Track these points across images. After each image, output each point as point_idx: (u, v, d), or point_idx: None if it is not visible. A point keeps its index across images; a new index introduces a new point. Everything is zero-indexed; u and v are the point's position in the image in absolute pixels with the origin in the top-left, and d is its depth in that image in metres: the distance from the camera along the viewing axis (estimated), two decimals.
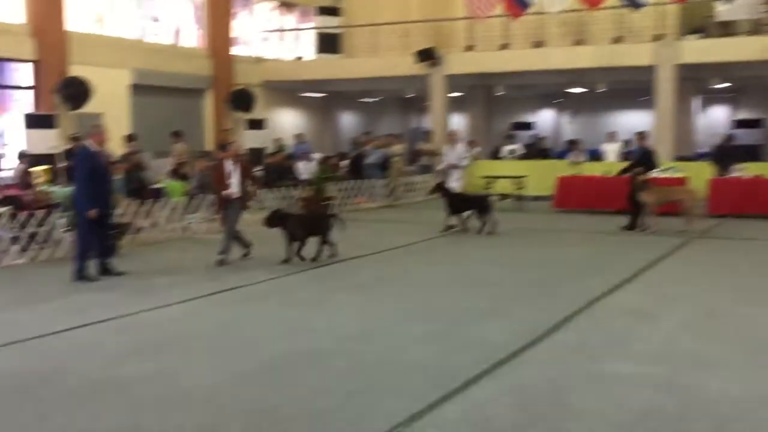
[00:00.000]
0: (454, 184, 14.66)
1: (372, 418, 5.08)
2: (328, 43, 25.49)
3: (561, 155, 22.90)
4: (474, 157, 21.44)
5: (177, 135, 17.95)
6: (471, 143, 22.54)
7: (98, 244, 10.04)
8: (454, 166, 14.84)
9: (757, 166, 17.57)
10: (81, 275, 9.81)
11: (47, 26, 17.58)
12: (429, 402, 5.32)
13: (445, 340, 6.99)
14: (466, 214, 14.10)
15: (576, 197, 17.40)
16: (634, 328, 7.35)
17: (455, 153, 15.01)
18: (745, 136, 26.36)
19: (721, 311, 8.01)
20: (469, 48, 22.49)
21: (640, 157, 14.59)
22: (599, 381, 5.83)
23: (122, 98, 19.81)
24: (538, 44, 21.65)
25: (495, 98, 26.67)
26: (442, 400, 5.38)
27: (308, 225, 11.18)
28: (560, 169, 18.84)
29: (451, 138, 15.36)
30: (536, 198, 19.21)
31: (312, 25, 26.52)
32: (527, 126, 30.08)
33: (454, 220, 14.12)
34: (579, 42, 21.30)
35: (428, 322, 7.60)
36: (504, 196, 19.40)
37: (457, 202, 14.13)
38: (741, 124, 27.04)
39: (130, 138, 16.75)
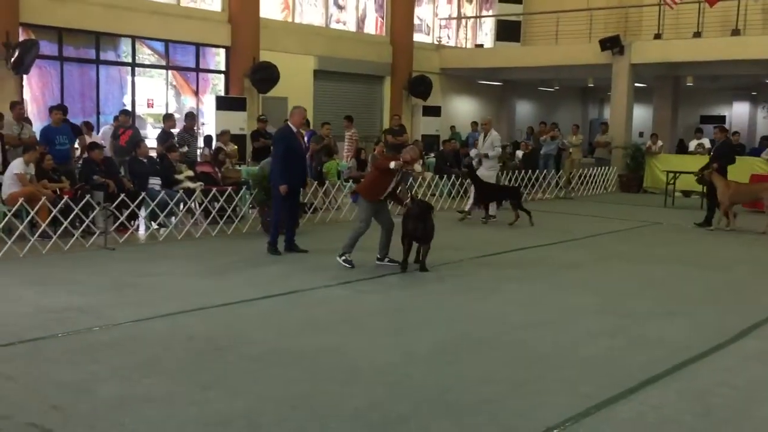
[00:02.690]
0: (486, 172, 14.24)
1: (540, 411, 4.97)
2: (508, 31, 25.20)
3: (755, 152, 21.31)
4: (657, 150, 20.54)
5: (349, 119, 18.36)
6: (654, 136, 21.51)
7: (288, 220, 10.57)
8: (486, 156, 14.28)
9: None
10: (272, 248, 10.38)
11: (242, 14, 18.60)
12: (602, 399, 5.13)
13: (621, 337, 6.73)
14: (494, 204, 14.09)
15: None
16: None
17: (488, 142, 14.32)
18: None
19: None
20: (658, 36, 21.39)
21: (720, 152, 13.98)
22: None
23: (307, 83, 20.62)
24: (736, 32, 20.20)
25: (683, 89, 25.24)
26: (616, 398, 5.18)
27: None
28: (753, 166, 17.56)
29: (484, 127, 14.64)
30: None
31: (492, 12, 26.32)
32: (718, 119, 28.27)
33: (481, 209, 14.10)
34: None
35: (604, 317, 7.36)
36: (687, 193, 18.39)
37: (487, 192, 13.89)
38: None
39: (348, 120, 17.40)
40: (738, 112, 28.72)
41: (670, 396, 5.29)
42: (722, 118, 28.41)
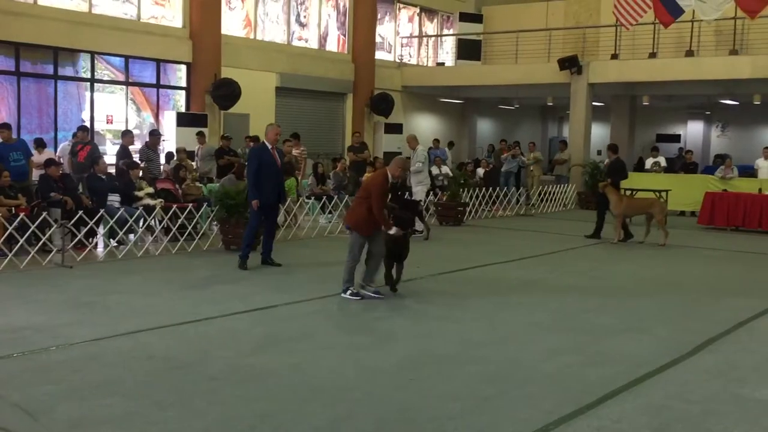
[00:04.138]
0: (415, 188, 14.61)
1: (502, 427, 5.02)
2: (469, 50, 25.49)
3: (709, 170, 21.81)
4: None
5: (296, 137, 18.04)
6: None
7: (265, 235, 10.74)
8: (416, 171, 14.57)
9: None
10: (243, 263, 10.48)
11: (203, 30, 18.54)
12: (561, 415, 5.19)
13: (581, 353, 6.81)
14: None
15: (724, 214, 16.51)
16: None
17: (415, 158, 14.58)
18: None
19: None
20: (615, 56, 21.83)
21: (613, 168, 14.72)
22: (745, 407, 5.50)
23: (269, 100, 20.61)
24: (690, 53, 20.71)
25: (639, 108, 25.75)
26: (576, 414, 5.24)
27: None
28: (707, 184, 17.97)
29: (411, 143, 14.82)
30: (680, 213, 18.43)
31: (453, 31, 26.60)
32: (673, 138, 28.87)
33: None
34: (735, 51, 20.21)
35: (563, 334, 7.44)
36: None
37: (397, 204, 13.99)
38: None
39: (295, 138, 17.37)
40: (692, 131, 29.35)
41: (628, 411, 5.37)
42: (677, 137, 29.01)
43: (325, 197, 15.52)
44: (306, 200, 15.15)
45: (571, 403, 5.40)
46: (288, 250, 11.96)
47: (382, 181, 8.63)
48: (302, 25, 22.15)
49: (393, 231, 8.61)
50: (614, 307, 8.75)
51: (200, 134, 16.98)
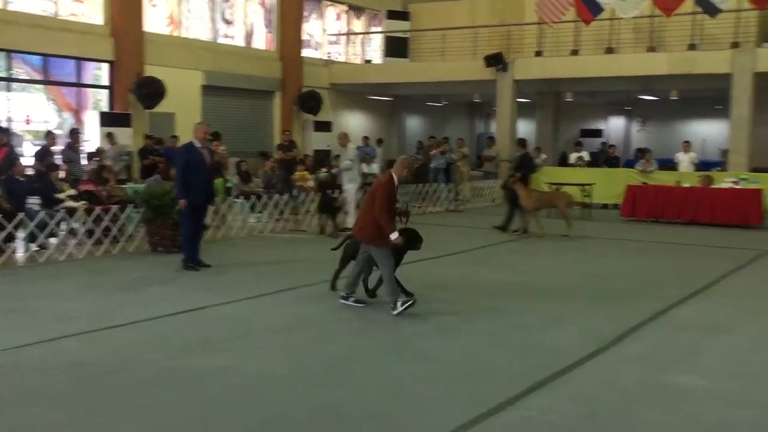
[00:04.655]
0: (346, 186, 14.56)
1: (433, 420, 5.07)
2: (396, 47, 25.61)
3: (630, 163, 22.48)
4: (541, 163, 21.30)
5: (215, 136, 17.79)
6: (537, 149, 22.35)
7: (193, 235, 10.53)
8: (346, 168, 14.58)
9: None
10: (188, 264, 10.36)
11: (125, 27, 18.12)
12: (490, 407, 5.28)
13: (510, 345, 6.94)
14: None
15: (644, 206, 17.05)
16: (704, 341, 7.17)
17: (345, 155, 14.71)
18: None
19: None
20: (538, 53, 22.27)
21: (521, 162, 15.07)
22: (667, 393, 5.70)
23: (195, 98, 20.28)
24: (610, 50, 21.28)
25: (563, 104, 26.35)
26: (504, 405, 5.34)
27: None
28: (629, 177, 18.51)
29: (342, 140, 14.92)
30: (604, 206, 18.93)
31: (380, 29, 26.69)
32: (596, 133, 29.63)
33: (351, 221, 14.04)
34: (652, 48, 20.87)
35: (492, 327, 7.56)
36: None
37: (325, 202, 14.10)
38: None
39: (215, 137, 17.12)
40: (614, 126, 30.19)
41: (555, 401, 5.49)
42: (600, 132, 29.79)
43: (254, 196, 15.35)
44: (234, 200, 14.97)
45: (500, 395, 5.49)
46: (217, 251, 11.81)
47: (388, 183, 8.06)
48: (228, 23, 21.87)
49: (394, 237, 7.94)
50: (541, 299, 8.93)
51: (109, 135, 16.57)
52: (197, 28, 20.90)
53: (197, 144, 10.42)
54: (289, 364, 6.31)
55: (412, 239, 8.35)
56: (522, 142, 15.94)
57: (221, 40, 21.62)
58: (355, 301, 8.33)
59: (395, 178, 8.13)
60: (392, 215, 8.08)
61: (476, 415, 5.13)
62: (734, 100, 19.41)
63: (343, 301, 8.35)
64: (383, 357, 6.55)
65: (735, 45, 19.43)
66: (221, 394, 5.52)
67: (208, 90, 20.74)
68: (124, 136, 17.36)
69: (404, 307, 7.86)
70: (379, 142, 24.55)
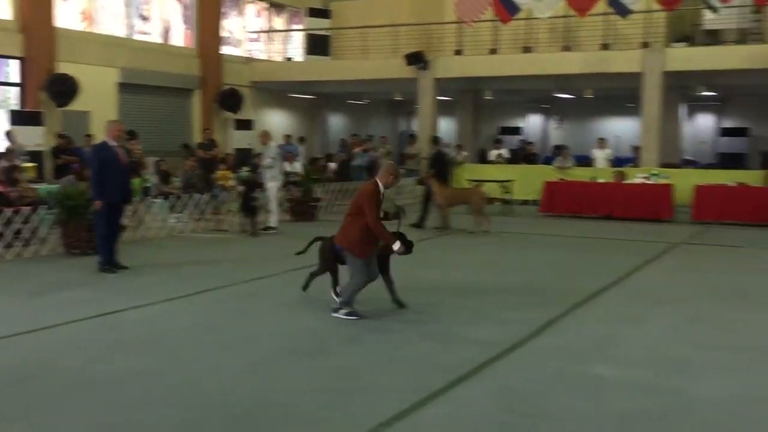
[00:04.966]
0: (268, 184, 14.41)
1: (353, 419, 5.09)
2: (318, 45, 25.52)
3: (548, 160, 23.01)
4: (461, 160, 21.61)
5: (131, 134, 17.41)
6: (458, 147, 22.68)
7: (110, 237, 10.25)
8: (268, 166, 14.45)
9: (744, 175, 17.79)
10: (104, 267, 10.09)
11: (35, 23, 17.51)
12: (412, 402, 5.34)
13: (432, 340, 7.02)
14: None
15: (562, 202, 17.51)
16: (617, 331, 7.40)
17: (267, 153, 14.61)
18: (731, 145, 26.70)
19: (706, 316, 8.08)
20: (458, 52, 22.57)
21: (434, 160, 15.30)
22: (582, 383, 5.88)
23: (110, 96, 19.75)
24: (527, 49, 21.74)
25: (483, 102, 26.77)
26: (427, 400, 5.41)
27: None
28: (547, 174, 18.95)
29: (263, 138, 14.86)
30: (523, 202, 19.33)
31: (301, 26, 26.55)
32: (515, 131, 30.20)
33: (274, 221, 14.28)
34: (567, 48, 21.42)
35: (415, 323, 7.63)
36: (490, 200, 19.50)
37: (246, 202, 14.00)
38: (727, 132, 27.28)
39: (131, 136, 16.67)
40: (532, 124, 30.83)
41: (477, 394, 5.60)
42: (518, 129, 30.38)
43: (173, 196, 15.07)
44: (153, 200, 14.66)
45: (423, 390, 5.56)
46: (135, 252, 11.56)
47: (373, 193, 7.67)
48: (144, 19, 21.38)
49: (397, 247, 7.67)
50: (462, 294, 9.07)
51: (8, 134, 15.91)
52: (112, 24, 20.35)
53: (111, 142, 10.15)
54: (210, 365, 6.23)
55: (406, 245, 7.91)
56: (436, 140, 16.17)
57: (137, 37, 21.11)
58: (347, 314, 7.72)
59: (380, 185, 7.77)
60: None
61: (400, 410, 5.18)
62: (645, 99, 20.11)
63: (334, 314, 7.77)
64: (306, 355, 6.54)
65: (645, 45, 20.12)
66: (141, 398, 5.42)
67: (124, 88, 20.23)
68: (34, 135, 16.76)
69: (346, 317, 7.65)
70: (302, 140, 24.44)
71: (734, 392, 5.68)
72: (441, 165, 15.36)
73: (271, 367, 6.18)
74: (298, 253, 8.98)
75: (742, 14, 20.01)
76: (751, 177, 17.42)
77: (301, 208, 16.46)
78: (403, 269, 10.69)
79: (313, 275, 8.56)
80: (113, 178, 10.02)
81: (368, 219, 7.55)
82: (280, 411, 5.22)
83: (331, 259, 8.31)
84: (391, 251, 7.84)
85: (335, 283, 8.32)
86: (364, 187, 7.94)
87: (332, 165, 21.52)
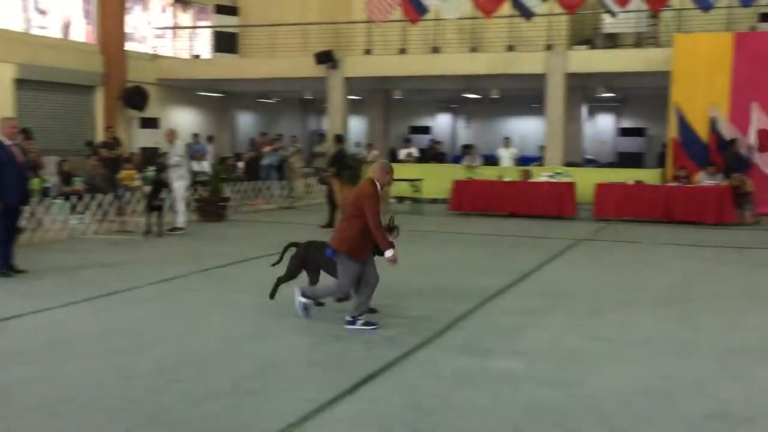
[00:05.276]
0: (176, 183, 14.12)
1: (262, 420, 5.05)
2: (225, 43, 25.15)
3: (456, 159, 23.39)
4: (372, 159, 21.70)
5: (24, 133, 16.58)
6: (369, 146, 22.80)
7: (6, 239, 9.83)
8: (175, 165, 14.13)
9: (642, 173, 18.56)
10: (2, 270, 9.70)
11: None
12: (321, 402, 5.34)
13: (340, 339, 7.03)
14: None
15: (470, 200, 17.83)
16: (521, 326, 7.58)
17: (174, 152, 14.32)
18: (629, 145, 27.77)
19: (606, 309, 8.37)
20: (368, 51, 22.66)
21: (336, 158, 15.35)
22: (487, 377, 6.00)
23: (6, 93, 18.92)
24: (436, 50, 22.03)
25: (393, 102, 26.98)
26: (335, 399, 5.41)
27: None
28: (456, 172, 19.25)
29: (169, 137, 14.56)
30: (433, 201, 19.57)
31: (209, 23, 26.10)
32: (424, 130, 30.56)
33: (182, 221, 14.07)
34: (474, 49, 21.82)
35: (322, 322, 7.62)
36: (401, 199, 19.68)
37: (152, 202, 13.70)
38: (625, 132, 28.37)
39: (25, 134, 15.93)
40: (441, 123, 31.26)
41: (385, 392, 5.64)
42: (428, 129, 30.75)
43: (75, 197, 14.58)
44: (53, 200, 14.14)
45: (332, 390, 5.56)
46: (34, 255, 11.12)
47: (373, 192, 7.30)
48: (42, 12, 20.56)
49: (390, 254, 7.32)
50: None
51: None
52: (7, 17, 19.49)
53: (6, 141, 9.71)
54: (111, 371, 6.05)
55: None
56: (339, 138, 16.16)
57: (35, 31, 20.29)
58: (365, 324, 7.36)
59: (378, 185, 7.40)
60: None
61: (310, 410, 5.17)
62: (549, 99, 20.70)
63: (350, 326, 7.38)
64: (210, 358, 6.44)
65: (548, 47, 20.70)
66: (35, 407, 5.21)
67: (22, 84, 19.42)
68: None
69: (364, 326, 7.30)
70: (210, 139, 24.05)
71: (630, 383, 5.91)
72: (343, 164, 15.35)
73: (177, 371, 6.05)
74: (274, 264, 8.41)
75: (639, 19, 20.81)
76: (648, 175, 18.19)
77: (209, 208, 16.20)
78: None
79: (279, 281, 8.22)
80: (9, 178, 9.62)
81: (369, 219, 7.18)
82: (181, 416, 5.12)
83: (298, 265, 8.10)
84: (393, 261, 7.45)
85: (286, 279, 8.16)
86: (362, 187, 7.52)
87: (241, 164, 21.25)
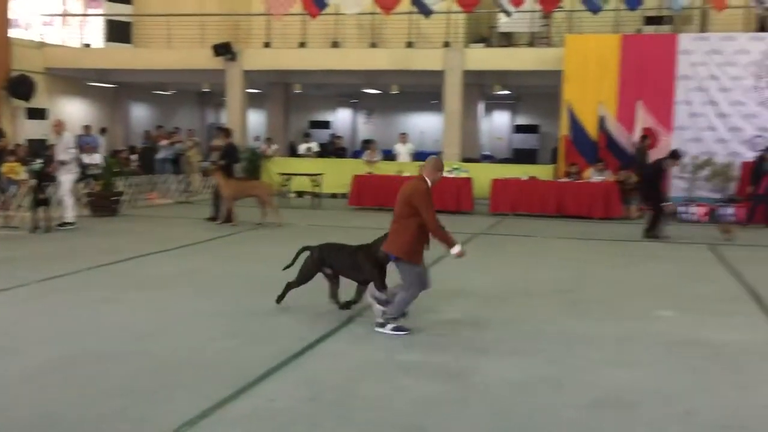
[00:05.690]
0: (65, 177, 13.58)
1: (158, 419, 4.94)
2: (118, 32, 24.36)
3: (357, 154, 23.47)
4: (272, 154, 21.52)
5: None
6: (268, 140, 22.57)
7: None
8: (61, 162, 13.55)
9: (535, 169, 19.13)
10: None
11: None
12: (219, 399, 5.26)
13: (241, 335, 6.95)
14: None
15: (370, 195, 17.94)
16: (414, 319, 7.66)
17: (61, 145, 13.73)
18: (524, 141, 28.60)
19: (499, 301, 8.60)
20: (267, 44, 22.42)
21: (225, 152, 15.24)
22: (386, 369, 6.07)
23: None
24: (335, 44, 22.03)
25: (293, 96, 26.80)
26: (233, 395, 5.35)
27: None
28: (356, 167, 19.32)
29: (56, 128, 13.98)
30: (333, 195, 19.58)
31: (101, 11, 25.18)
32: (325, 125, 30.52)
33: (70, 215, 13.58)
34: (374, 44, 21.93)
35: (224, 318, 7.52)
36: (301, 194, 19.61)
37: (37, 196, 13.16)
38: (520, 129, 29.20)
39: None
40: (341, 118, 31.31)
41: (284, 386, 5.61)
42: (328, 124, 30.74)
43: None
44: None
45: (229, 386, 5.49)
46: None
47: (427, 190, 6.97)
48: None
49: (457, 250, 7.01)
50: (270, 288, 9.02)
51: None
52: None
53: None
54: (3, 369, 5.77)
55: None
56: (227, 132, 15.94)
57: None
58: (395, 329, 7.08)
59: (429, 182, 7.06)
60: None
61: (206, 408, 5.08)
62: (447, 96, 21.05)
63: (379, 329, 7.13)
64: (104, 357, 6.23)
65: (447, 44, 21.04)
66: None
67: None
68: None
69: (394, 332, 7.03)
70: (103, 131, 23.27)
71: (524, 373, 6.10)
72: (231, 157, 15.10)
73: (71, 371, 5.83)
74: (285, 268, 8.12)
75: (533, 19, 21.43)
76: (541, 171, 18.78)
77: (101, 202, 15.66)
78: (211, 263, 10.51)
79: (290, 286, 7.95)
80: None
81: (427, 219, 6.86)
82: (72, 417, 4.95)
83: (313, 270, 7.83)
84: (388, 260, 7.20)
85: (334, 292, 7.88)
86: (414, 185, 7.06)
87: (135, 157, 20.65)
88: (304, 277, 7.89)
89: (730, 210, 16.56)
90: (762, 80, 17.82)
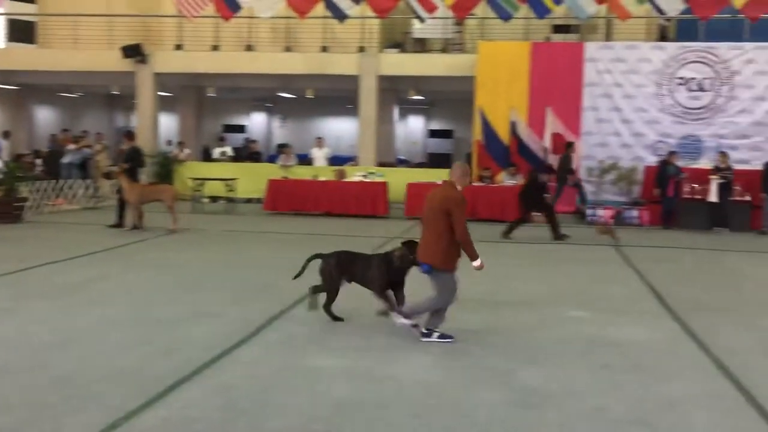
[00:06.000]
0: None
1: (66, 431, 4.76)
2: (21, 31, 23.45)
3: (272, 159, 23.27)
4: (184, 158, 21.12)
5: None
6: (180, 144, 22.15)
7: None
8: None
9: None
10: None
11: None
12: (128, 410, 5.11)
13: (152, 344, 6.76)
14: None
15: (285, 200, 17.82)
16: (327, 323, 7.64)
17: None
18: (438, 145, 28.99)
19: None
20: (179, 47, 21.99)
21: (129, 155, 15.08)
22: (302, 376, 6.01)
23: None
24: (249, 48, 21.79)
25: (206, 99, 26.37)
26: (144, 406, 5.20)
27: None
28: (271, 172, 19.15)
29: None
30: (247, 200, 19.35)
31: (1, 10, 24.16)
32: (239, 128, 30.16)
33: None
34: (289, 48, 21.80)
35: (134, 327, 7.31)
36: (214, 199, 19.30)
37: None
38: (434, 134, 29.57)
39: None
40: (256, 122, 30.99)
41: (196, 395, 5.49)
42: (243, 128, 30.38)
43: None
44: None
45: (140, 396, 5.34)
46: None
47: (462, 198, 6.87)
48: None
49: (478, 263, 6.97)
50: (184, 294, 8.86)
51: None
52: None
53: None
54: None
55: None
56: (130, 135, 15.60)
57: None
58: (440, 336, 7.04)
59: (459, 188, 6.96)
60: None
61: (115, 419, 4.93)
62: (362, 100, 21.13)
63: (426, 339, 7.03)
64: (7, 371, 5.96)
65: (361, 49, 21.11)
66: None
67: None
68: None
69: (440, 339, 7.00)
70: (6, 134, 22.29)
71: (437, 374, 6.16)
72: (136, 161, 14.77)
73: None
74: (295, 277, 7.86)
75: (446, 25, 21.73)
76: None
77: (3, 208, 15.03)
78: (124, 270, 10.21)
79: (326, 310, 7.65)
80: None
81: (458, 228, 6.78)
82: None
83: (337, 279, 7.58)
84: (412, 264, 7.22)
85: (330, 301, 7.65)
86: (447, 193, 6.94)
87: (40, 162, 19.89)
88: (331, 288, 7.65)
89: (635, 212, 17.19)
90: (663, 88, 18.59)
